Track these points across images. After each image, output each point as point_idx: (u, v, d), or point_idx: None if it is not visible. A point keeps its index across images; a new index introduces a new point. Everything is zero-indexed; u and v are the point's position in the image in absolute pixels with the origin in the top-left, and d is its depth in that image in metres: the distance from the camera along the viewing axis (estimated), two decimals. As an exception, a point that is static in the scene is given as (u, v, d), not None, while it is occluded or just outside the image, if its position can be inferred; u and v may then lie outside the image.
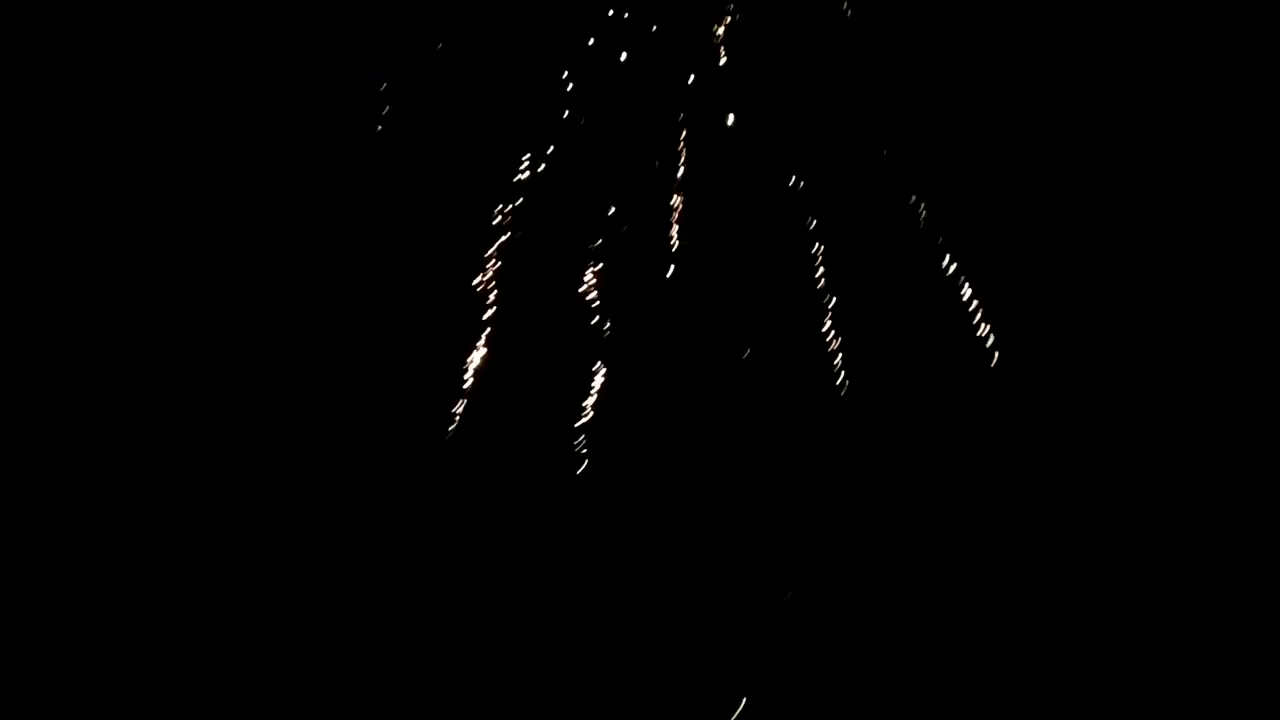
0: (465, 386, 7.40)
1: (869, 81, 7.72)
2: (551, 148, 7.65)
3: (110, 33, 7.65)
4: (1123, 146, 7.65)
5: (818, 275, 7.67)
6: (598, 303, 7.57)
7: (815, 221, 7.60)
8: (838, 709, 6.59)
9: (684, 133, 7.78)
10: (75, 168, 7.46)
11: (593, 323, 7.59)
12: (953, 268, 7.67)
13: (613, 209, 7.56)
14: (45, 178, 7.43)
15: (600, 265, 7.53)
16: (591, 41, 7.90)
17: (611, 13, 8.05)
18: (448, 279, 7.53)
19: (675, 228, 7.61)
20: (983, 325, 7.67)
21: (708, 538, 7.01)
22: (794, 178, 7.61)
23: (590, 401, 7.36)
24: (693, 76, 7.83)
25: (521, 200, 7.54)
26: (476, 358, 7.46)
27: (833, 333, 7.66)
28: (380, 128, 7.58)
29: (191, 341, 7.39)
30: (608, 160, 7.69)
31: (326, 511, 6.94)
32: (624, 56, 7.89)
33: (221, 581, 6.69)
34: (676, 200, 7.64)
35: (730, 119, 7.65)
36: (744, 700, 6.42)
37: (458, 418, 7.33)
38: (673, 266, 7.59)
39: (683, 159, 7.76)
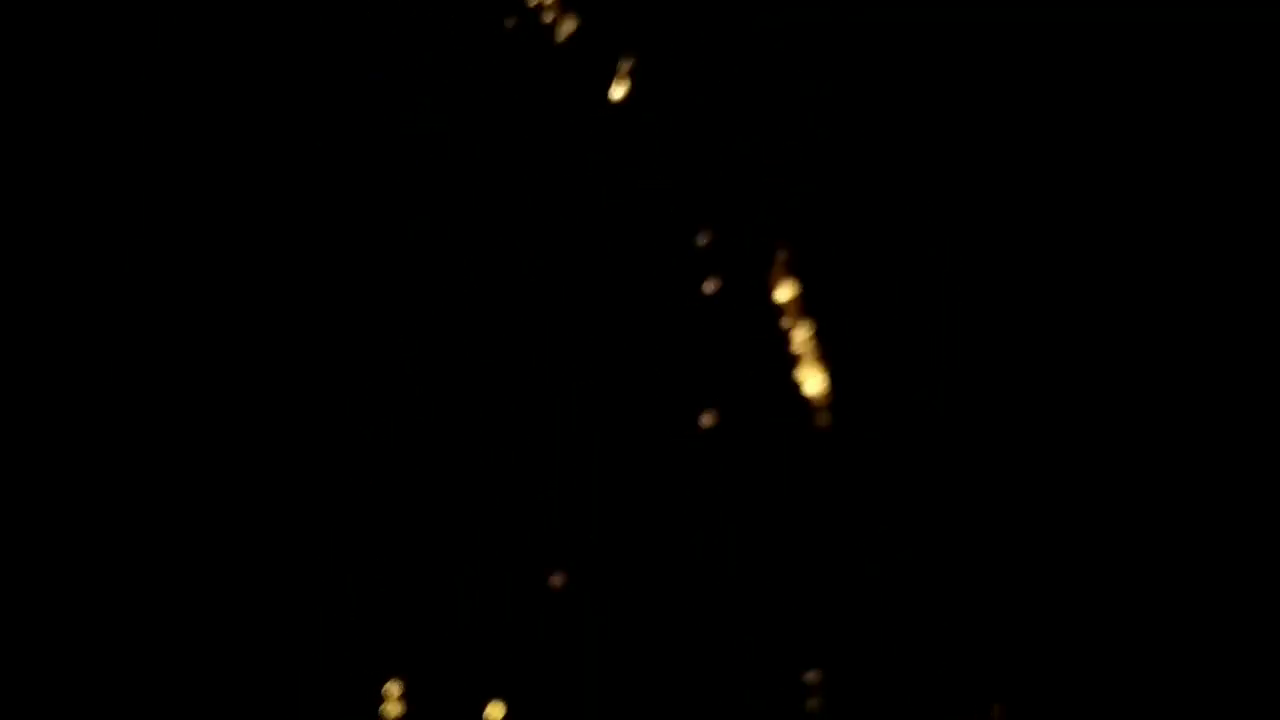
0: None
1: (869, 81, 7.78)
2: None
3: (109, 32, 7.72)
4: (1124, 147, 7.72)
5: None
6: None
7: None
8: (838, 709, 6.65)
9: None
10: (74, 167, 7.53)
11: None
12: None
13: (611, 209, 7.62)
14: (44, 177, 7.49)
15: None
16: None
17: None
18: (447, 280, 7.59)
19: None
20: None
21: (707, 539, 7.06)
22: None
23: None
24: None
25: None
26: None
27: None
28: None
29: (189, 341, 7.45)
30: (607, 160, 7.75)
31: (325, 511, 7.01)
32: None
33: (220, 582, 6.76)
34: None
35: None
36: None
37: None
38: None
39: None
